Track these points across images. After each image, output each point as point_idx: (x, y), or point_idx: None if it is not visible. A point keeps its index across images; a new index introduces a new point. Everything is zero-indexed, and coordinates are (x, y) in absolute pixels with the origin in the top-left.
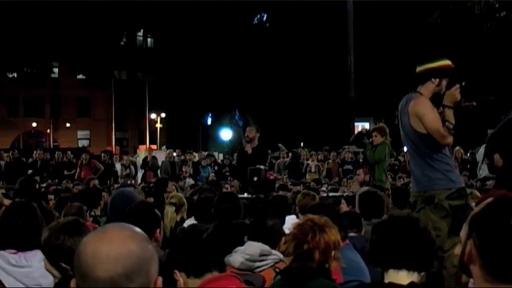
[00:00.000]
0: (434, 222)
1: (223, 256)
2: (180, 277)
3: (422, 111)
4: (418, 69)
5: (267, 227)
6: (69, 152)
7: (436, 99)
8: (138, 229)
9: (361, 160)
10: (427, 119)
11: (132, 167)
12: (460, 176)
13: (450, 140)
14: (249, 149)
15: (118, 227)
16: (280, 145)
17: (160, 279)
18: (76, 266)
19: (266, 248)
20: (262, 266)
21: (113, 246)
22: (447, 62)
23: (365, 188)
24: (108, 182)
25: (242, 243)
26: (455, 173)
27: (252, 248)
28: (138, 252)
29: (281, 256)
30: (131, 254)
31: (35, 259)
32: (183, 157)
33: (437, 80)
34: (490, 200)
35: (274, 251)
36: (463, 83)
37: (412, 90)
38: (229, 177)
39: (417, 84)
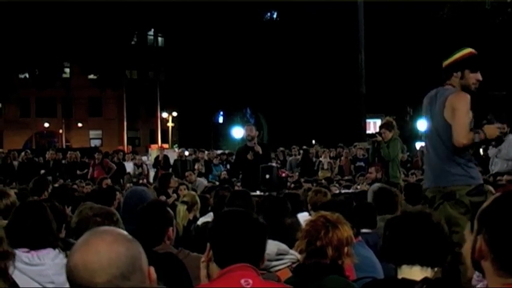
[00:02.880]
0: (454, 218)
1: None
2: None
3: (459, 105)
4: (443, 64)
5: (286, 225)
6: (78, 152)
7: (466, 91)
8: (117, 229)
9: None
10: (459, 114)
11: (144, 166)
12: (479, 172)
13: (466, 141)
14: (259, 149)
15: (98, 235)
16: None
17: (152, 269)
18: (71, 280)
19: (283, 247)
20: (278, 265)
21: (102, 254)
22: (462, 53)
23: (378, 185)
24: (121, 181)
25: None
26: (475, 170)
27: (269, 246)
28: (126, 252)
29: (298, 256)
30: (120, 255)
31: (48, 257)
32: (194, 156)
33: (459, 73)
34: (497, 194)
35: (291, 251)
36: (506, 128)
37: (443, 84)
38: (240, 176)
39: (445, 79)
